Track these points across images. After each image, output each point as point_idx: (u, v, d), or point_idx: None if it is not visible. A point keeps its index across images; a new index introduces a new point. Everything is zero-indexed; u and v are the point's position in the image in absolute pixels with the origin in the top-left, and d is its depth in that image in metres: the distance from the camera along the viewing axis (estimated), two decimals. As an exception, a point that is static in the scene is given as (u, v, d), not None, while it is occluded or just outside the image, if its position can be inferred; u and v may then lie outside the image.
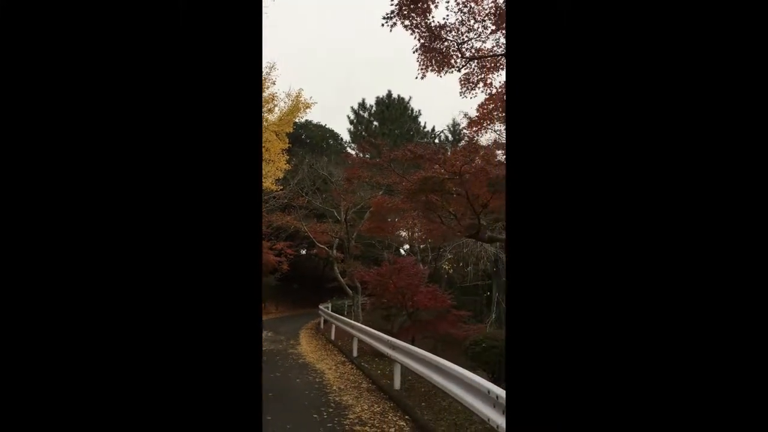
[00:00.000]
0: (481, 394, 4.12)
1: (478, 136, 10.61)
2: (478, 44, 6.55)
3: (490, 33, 5.16)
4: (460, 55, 5.40)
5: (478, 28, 5.12)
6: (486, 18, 4.97)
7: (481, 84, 5.84)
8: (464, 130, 12.93)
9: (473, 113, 8.40)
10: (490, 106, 6.65)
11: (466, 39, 5.27)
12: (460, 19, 4.94)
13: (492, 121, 7.81)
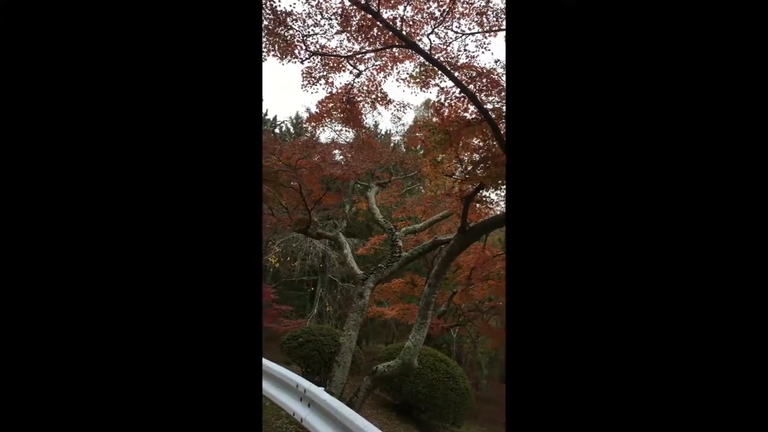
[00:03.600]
0: (290, 388, 4.11)
1: (317, 131, 10.70)
2: (323, 41, 6.59)
3: (336, 33, 5.24)
4: (304, 47, 5.35)
5: (325, 24, 5.16)
6: (333, 17, 5.04)
7: (323, 81, 5.89)
8: (305, 123, 12.87)
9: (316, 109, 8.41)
10: (330, 105, 6.77)
11: (311, 33, 5.25)
12: (307, 11, 4.89)
13: (331, 120, 7.95)
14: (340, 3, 4.96)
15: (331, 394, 4.47)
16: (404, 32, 4.94)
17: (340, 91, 6.27)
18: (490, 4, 4.87)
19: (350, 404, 5.05)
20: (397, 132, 14.37)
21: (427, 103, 14.38)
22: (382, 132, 15.56)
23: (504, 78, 5.50)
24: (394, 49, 5.65)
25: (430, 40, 5.23)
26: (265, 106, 22.94)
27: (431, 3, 4.85)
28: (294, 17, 5.02)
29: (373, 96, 6.39)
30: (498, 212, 8.13)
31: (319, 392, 3.72)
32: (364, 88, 6.29)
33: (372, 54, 5.66)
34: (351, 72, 5.96)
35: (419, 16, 5.03)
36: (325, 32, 5.38)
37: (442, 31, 5.24)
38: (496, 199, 8.52)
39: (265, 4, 4.66)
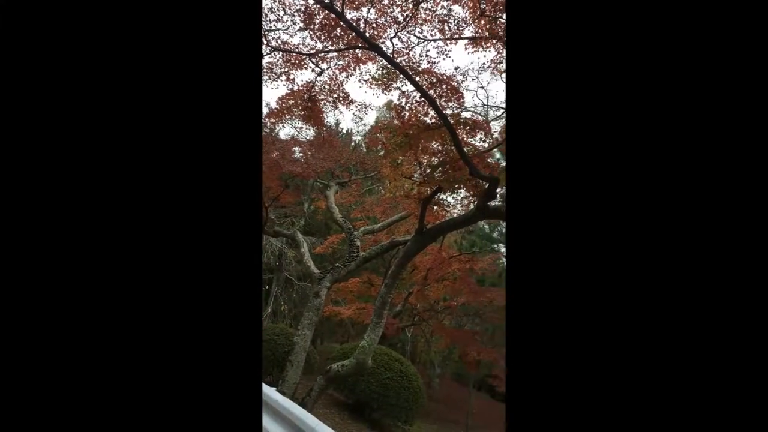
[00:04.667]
0: (240, 388, 4.04)
1: (276, 127, 10.51)
2: (285, 37, 6.48)
3: (299, 30, 5.20)
4: (265, 42, 5.26)
5: (287, 21, 5.10)
6: (296, 14, 4.99)
7: (284, 77, 5.81)
8: (265, 119, 12.60)
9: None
10: (290, 102, 6.69)
11: (273, 28, 5.18)
12: (269, 6, 4.82)
13: (292, 117, 7.85)
14: (303, 0, 4.93)
15: (283, 394, 4.43)
16: (367, 34, 4.98)
17: (301, 88, 6.21)
18: (452, 13, 5.00)
19: (302, 404, 5.02)
20: (358, 132, 14.38)
21: (388, 105, 14.48)
22: (344, 131, 15.52)
23: (463, 85, 5.65)
24: (357, 50, 5.68)
25: (392, 43, 5.30)
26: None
27: (394, 7, 4.92)
28: (256, 11, 4.92)
29: (335, 95, 6.38)
30: (455, 215, 8.33)
31: (271, 392, 3.68)
32: (326, 86, 6.27)
33: (335, 53, 5.65)
34: (313, 70, 5.92)
35: (383, 19, 5.08)
36: (288, 29, 5.33)
37: (405, 35, 5.33)
38: (453, 202, 8.73)
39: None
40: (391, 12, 5.00)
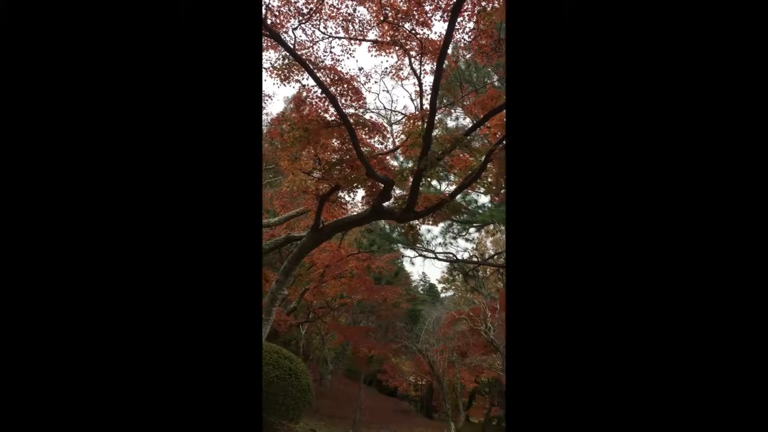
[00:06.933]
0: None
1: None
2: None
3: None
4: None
5: None
6: None
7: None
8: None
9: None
10: (180, 81, 6.18)
11: None
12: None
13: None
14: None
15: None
16: (269, 21, 4.80)
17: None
18: (357, 14, 5.04)
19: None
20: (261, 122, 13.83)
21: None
22: (247, 119, 14.82)
23: (365, 87, 5.73)
24: (258, 36, 5.45)
25: (295, 35, 5.18)
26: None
27: (298, -2, 4.82)
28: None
29: (232, 80, 6.04)
30: (355, 213, 8.43)
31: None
32: (223, 70, 5.90)
33: (233, 36, 5.36)
34: (209, 50, 5.53)
35: (286, 8, 4.94)
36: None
37: (309, 29, 5.24)
38: (351, 200, 8.83)
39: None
40: (295, 2, 4.88)
